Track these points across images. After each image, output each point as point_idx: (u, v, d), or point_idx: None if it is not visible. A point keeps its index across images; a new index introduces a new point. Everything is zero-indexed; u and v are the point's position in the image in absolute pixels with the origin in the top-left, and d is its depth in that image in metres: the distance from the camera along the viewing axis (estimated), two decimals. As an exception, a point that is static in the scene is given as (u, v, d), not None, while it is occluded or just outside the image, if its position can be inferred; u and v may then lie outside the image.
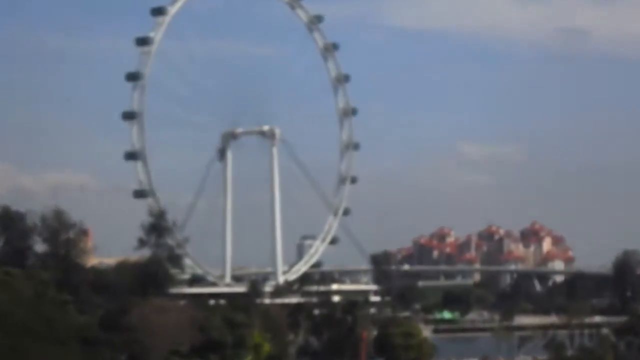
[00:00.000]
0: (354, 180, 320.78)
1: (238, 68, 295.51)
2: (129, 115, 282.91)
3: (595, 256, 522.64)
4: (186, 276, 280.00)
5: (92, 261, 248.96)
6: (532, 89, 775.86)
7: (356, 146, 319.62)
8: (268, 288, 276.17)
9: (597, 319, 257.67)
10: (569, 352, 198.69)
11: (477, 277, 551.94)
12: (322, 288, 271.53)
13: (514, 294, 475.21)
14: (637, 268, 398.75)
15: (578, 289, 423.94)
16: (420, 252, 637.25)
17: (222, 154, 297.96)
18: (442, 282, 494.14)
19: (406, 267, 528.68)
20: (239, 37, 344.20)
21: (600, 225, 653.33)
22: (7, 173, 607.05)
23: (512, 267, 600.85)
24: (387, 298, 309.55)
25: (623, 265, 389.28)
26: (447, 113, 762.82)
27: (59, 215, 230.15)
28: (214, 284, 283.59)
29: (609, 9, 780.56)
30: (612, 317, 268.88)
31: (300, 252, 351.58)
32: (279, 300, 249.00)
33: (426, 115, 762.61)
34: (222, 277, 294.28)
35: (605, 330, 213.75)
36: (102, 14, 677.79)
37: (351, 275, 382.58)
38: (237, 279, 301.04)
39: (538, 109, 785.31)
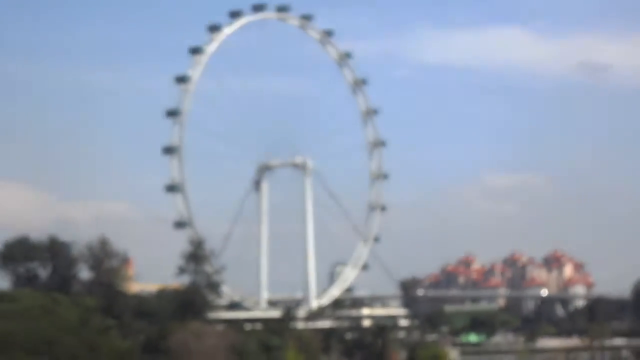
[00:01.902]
0: (383, 209, 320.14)
1: (272, 103, 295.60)
2: (169, 150, 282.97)
3: (615, 281, 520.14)
4: (223, 302, 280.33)
5: (134, 288, 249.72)
6: (555, 121, 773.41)
7: (385, 176, 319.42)
8: (302, 313, 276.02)
9: (617, 341, 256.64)
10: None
11: (501, 302, 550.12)
12: (353, 313, 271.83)
13: (537, 318, 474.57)
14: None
15: (598, 312, 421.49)
16: (447, 278, 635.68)
17: (257, 185, 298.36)
18: (468, 306, 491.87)
19: (434, 292, 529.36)
20: (273, 74, 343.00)
21: (620, 252, 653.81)
22: (53, 204, 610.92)
23: (536, 292, 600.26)
24: (416, 322, 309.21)
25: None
26: (472, 145, 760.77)
27: (103, 244, 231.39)
28: (249, 309, 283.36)
29: (629, 43, 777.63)
30: (632, 339, 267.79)
31: (332, 278, 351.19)
32: (312, 325, 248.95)
33: (452, 147, 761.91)
34: (258, 302, 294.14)
35: (625, 352, 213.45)
36: (143, 53, 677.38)
37: (381, 300, 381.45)
38: (272, 304, 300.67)
39: (561, 140, 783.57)
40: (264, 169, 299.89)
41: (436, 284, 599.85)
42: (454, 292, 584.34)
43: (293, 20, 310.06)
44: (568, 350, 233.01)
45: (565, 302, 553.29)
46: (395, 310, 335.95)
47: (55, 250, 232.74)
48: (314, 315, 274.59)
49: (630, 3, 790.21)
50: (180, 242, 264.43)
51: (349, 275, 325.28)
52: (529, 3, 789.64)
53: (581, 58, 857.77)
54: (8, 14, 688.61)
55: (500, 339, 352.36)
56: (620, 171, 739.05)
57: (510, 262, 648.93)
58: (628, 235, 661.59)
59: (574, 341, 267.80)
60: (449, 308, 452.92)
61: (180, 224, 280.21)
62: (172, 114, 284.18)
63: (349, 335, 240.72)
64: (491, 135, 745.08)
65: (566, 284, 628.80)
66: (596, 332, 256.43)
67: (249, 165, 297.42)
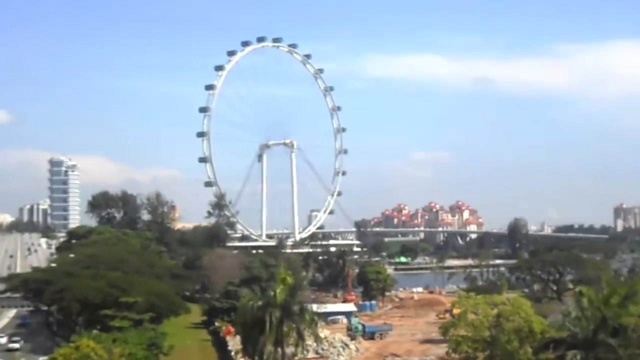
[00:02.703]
0: (344, 174, 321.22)
1: (271, 103, 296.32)
2: (201, 134, 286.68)
3: (497, 222, 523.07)
4: (238, 235, 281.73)
5: (178, 225, 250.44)
6: (458, 116, 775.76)
7: (345, 151, 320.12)
8: (289, 242, 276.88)
9: (497, 261, 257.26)
10: (480, 283, 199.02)
11: (422, 235, 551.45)
12: (323, 242, 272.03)
13: (445, 246, 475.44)
14: (522, 229, 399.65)
15: (485, 243, 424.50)
16: (386, 220, 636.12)
17: (260, 158, 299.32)
18: (400, 238, 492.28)
19: (377, 229, 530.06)
20: (271, 83, 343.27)
21: (500, 202, 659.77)
22: (125, 170, 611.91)
23: (445, 229, 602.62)
24: (365, 249, 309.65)
25: (513, 227, 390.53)
26: (403, 132, 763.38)
27: (158, 196, 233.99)
28: (255, 240, 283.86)
29: (508, 63, 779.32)
30: (507, 260, 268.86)
31: (309, 220, 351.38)
32: (296, 250, 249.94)
33: (391, 133, 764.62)
34: (260, 235, 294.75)
35: (502, 269, 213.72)
36: (183, 69, 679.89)
37: (342, 234, 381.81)
38: (269, 236, 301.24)
39: (462, 129, 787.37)
40: (264, 147, 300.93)
41: (379, 223, 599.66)
42: (390, 229, 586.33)
43: (284, 48, 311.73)
44: (465, 268, 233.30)
45: (463, 235, 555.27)
46: (351, 241, 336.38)
47: (125, 201, 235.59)
48: (298, 244, 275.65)
49: (510, 37, 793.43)
50: (208, 196, 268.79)
51: (321, 218, 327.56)
52: (439, 39, 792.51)
53: (475, 74, 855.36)
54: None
55: (420, 260, 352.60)
56: (501, 148, 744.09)
57: (428, 209, 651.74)
58: (506, 191, 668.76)
59: (469, 262, 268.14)
60: (387, 239, 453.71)
61: (208, 184, 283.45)
62: (203, 110, 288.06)
63: (320, 258, 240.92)
64: (415, 126, 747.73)
65: (465, 224, 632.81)
66: (484, 256, 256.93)
67: (255, 145, 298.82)
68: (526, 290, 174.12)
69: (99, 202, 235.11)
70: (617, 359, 52.15)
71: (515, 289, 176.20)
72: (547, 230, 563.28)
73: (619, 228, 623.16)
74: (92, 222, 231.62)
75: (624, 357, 53.68)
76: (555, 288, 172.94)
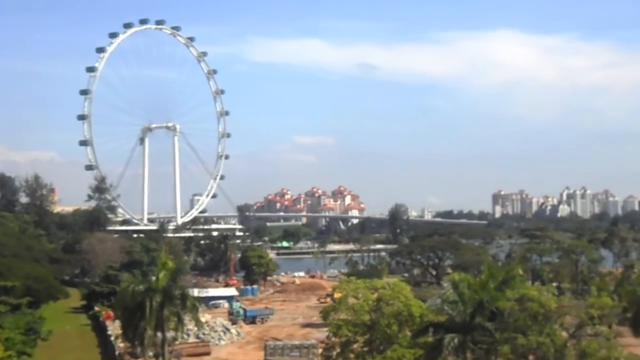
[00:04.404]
0: (227, 157, 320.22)
1: (154, 86, 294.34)
2: (82, 117, 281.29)
3: (378, 207, 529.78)
4: (119, 219, 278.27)
5: (57, 209, 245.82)
6: (342, 102, 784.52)
7: (228, 135, 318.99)
8: (171, 226, 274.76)
9: (378, 246, 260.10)
10: (361, 267, 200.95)
11: (304, 220, 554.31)
12: (205, 227, 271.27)
13: (327, 231, 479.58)
14: (403, 215, 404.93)
15: (367, 227, 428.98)
16: (268, 204, 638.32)
17: (142, 141, 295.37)
18: (282, 223, 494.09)
19: (259, 214, 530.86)
20: (154, 66, 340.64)
21: (381, 188, 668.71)
22: (4, 152, 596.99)
23: (327, 214, 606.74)
24: (247, 233, 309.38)
25: (395, 213, 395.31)
26: (287, 116, 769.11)
27: (36, 179, 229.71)
28: (136, 224, 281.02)
29: (391, 51, 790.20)
30: (387, 245, 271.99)
31: (192, 204, 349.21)
32: (178, 234, 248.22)
33: (275, 118, 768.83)
34: (142, 219, 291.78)
35: (382, 254, 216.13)
36: (62, 50, 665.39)
37: (224, 218, 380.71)
38: (151, 220, 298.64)
39: (346, 114, 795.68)
40: (146, 130, 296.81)
41: (261, 208, 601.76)
42: (273, 214, 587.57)
43: (167, 30, 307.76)
44: (346, 252, 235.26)
45: (345, 220, 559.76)
46: (234, 225, 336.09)
47: (2, 183, 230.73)
48: (179, 228, 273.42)
49: (394, 23, 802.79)
50: (89, 179, 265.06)
51: (203, 202, 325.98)
52: (322, 23, 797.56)
53: (358, 60, 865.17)
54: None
55: (302, 244, 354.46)
56: (384, 134, 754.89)
57: (310, 194, 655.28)
58: (388, 177, 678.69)
59: (350, 246, 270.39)
60: (269, 224, 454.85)
61: (89, 167, 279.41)
62: (84, 92, 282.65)
63: (202, 242, 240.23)
64: (300, 110, 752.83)
65: (346, 209, 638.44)
66: (365, 240, 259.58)
67: (137, 127, 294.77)
68: (406, 274, 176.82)
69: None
70: (494, 342, 53.47)
71: (396, 273, 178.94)
72: (428, 216, 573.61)
73: (497, 214, 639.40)
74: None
75: (501, 340, 55.09)
76: (434, 273, 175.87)
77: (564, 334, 63.74)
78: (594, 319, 65.13)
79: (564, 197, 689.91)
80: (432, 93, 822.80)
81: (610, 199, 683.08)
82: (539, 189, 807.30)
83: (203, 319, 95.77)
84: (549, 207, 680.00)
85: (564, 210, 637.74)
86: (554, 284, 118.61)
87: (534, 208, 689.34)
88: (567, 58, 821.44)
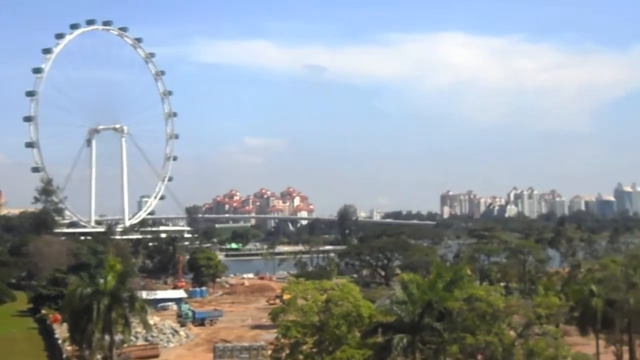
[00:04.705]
0: (175, 159, 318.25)
1: (101, 87, 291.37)
2: (28, 119, 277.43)
3: (327, 208, 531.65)
4: (66, 221, 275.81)
5: (4, 211, 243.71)
6: (290, 104, 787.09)
7: (177, 136, 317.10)
8: (119, 229, 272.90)
9: (327, 247, 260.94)
10: (310, 268, 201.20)
11: (253, 221, 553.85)
12: (153, 229, 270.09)
13: (276, 232, 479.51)
14: (352, 216, 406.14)
15: (316, 229, 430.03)
16: (217, 206, 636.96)
17: (89, 142, 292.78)
18: (231, 225, 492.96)
19: (208, 215, 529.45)
20: (101, 67, 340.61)
21: (330, 190, 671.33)
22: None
23: (276, 215, 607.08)
24: (196, 235, 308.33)
25: (344, 214, 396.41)
26: (236, 118, 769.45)
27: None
28: (84, 226, 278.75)
29: (339, 53, 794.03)
30: (336, 246, 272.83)
31: (140, 206, 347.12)
32: (126, 237, 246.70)
33: (223, 119, 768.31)
34: (89, 221, 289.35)
35: (332, 255, 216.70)
36: (10, 51, 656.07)
37: (172, 220, 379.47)
38: (98, 222, 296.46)
39: (294, 116, 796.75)
40: (93, 132, 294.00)
41: (210, 210, 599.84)
42: (222, 215, 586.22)
43: (114, 31, 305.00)
44: (295, 254, 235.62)
45: (294, 222, 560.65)
46: (182, 227, 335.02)
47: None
48: (127, 230, 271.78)
49: (342, 25, 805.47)
50: (36, 181, 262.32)
51: (151, 203, 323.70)
52: (268, 25, 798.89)
53: (306, 62, 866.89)
54: None
55: (251, 246, 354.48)
56: (332, 135, 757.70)
57: (259, 195, 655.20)
58: (337, 178, 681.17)
59: (299, 248, 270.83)
60: (218, 226, 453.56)
61: (35, 169, 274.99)
62: (30, 94, 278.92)
63: (150, 244, 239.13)
64: (248, 112, 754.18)
65: (295, 210, 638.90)
66: (314, 242, 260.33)
67: (84, 129, 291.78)
68: (355, 275, 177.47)
69: None
70: (443, 342, 53.82)
71: (345, 274, 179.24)
72: (377, 217, 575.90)
73: (446, 215, 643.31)
74: None
75: (449, 340, 55.46)
76: (383, 273, 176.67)
77: (512, 333, 64.31)
78: (541, 318, 65.76)
79: (512, 198, 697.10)
80: (381, 94, 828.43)
81: (557, 199, 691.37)
82: (486, 189, 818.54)
83: (151, 322, 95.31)
84: (496, 208, 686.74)
85: (511, 211, 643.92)
86: (502, 284, 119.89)
87: (482, 208, 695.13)
88: (513, 59, 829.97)
